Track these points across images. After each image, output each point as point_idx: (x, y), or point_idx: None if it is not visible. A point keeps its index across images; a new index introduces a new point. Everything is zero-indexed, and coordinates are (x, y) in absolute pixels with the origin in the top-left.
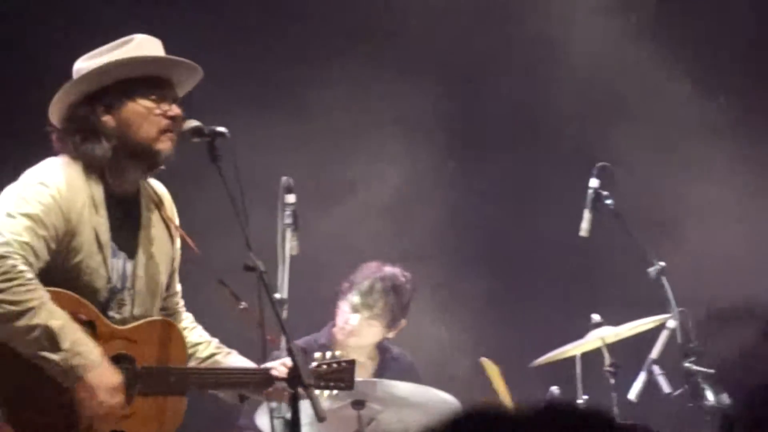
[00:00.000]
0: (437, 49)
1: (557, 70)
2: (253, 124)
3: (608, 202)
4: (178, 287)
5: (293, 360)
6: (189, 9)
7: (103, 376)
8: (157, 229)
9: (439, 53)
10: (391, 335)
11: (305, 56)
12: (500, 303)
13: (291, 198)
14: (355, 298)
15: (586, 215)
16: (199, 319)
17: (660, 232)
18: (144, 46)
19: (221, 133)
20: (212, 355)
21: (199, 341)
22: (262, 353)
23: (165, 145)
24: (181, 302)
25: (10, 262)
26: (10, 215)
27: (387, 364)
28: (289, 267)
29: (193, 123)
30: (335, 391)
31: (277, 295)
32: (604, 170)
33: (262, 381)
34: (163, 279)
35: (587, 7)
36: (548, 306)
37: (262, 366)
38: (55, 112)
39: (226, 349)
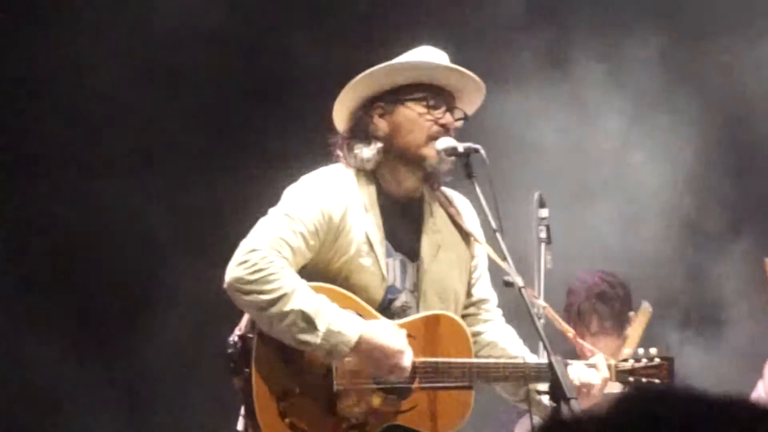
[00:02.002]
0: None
1: None
2: (508, 137)
3: None
4: (485, 295)
5: (553, 373)
6: None
7: (374, 338)
8: (445, 235)
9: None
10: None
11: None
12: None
13: (544, 212)
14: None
15: None
16: None
17: None
18: (428, 54)
19: (476, 150)
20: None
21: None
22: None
23: (431, 152)
24: (494, 311)
25: (260, 254)
26: (269, 216)
27: None
28: (544, 281)
29: (447, 141)
30: None
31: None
32: None
33: (546, 375)
34: (458, 286)
35: None
36: None
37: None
38: (338, 118)
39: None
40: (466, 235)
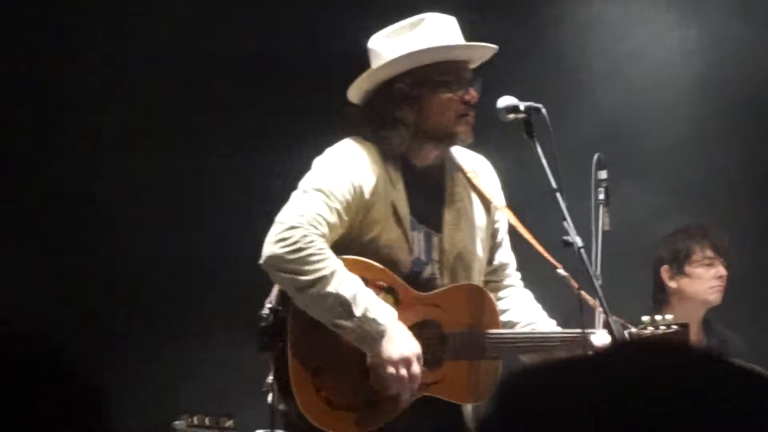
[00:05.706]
0: None
1: None
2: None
3: None
4: (506, 259)
5: (612, 335)
6: None
7: (396, 346)
8: (466, 202)
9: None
10: None
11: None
12: None
13: (603, 174)
14: (708, 251)
15: None
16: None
17: None
18: (439, 27)
19: (537, 109)
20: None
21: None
22: (581, 322)
23: (462, 129)
24: (514, 276)
25: (301, 231)
26: (303, 191)
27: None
28: (601, 243)
29: (508, 99)
30: None
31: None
32: None
33: (578, 345)
34: (480, 254)
35: None
36: None
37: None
38: (354, 96)
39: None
40: (486, 200)
